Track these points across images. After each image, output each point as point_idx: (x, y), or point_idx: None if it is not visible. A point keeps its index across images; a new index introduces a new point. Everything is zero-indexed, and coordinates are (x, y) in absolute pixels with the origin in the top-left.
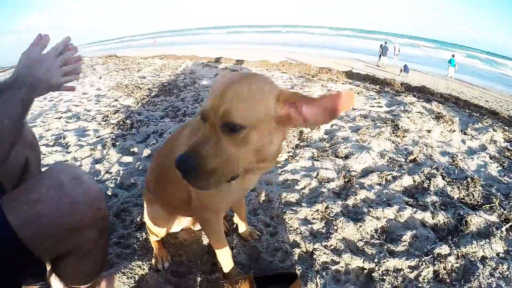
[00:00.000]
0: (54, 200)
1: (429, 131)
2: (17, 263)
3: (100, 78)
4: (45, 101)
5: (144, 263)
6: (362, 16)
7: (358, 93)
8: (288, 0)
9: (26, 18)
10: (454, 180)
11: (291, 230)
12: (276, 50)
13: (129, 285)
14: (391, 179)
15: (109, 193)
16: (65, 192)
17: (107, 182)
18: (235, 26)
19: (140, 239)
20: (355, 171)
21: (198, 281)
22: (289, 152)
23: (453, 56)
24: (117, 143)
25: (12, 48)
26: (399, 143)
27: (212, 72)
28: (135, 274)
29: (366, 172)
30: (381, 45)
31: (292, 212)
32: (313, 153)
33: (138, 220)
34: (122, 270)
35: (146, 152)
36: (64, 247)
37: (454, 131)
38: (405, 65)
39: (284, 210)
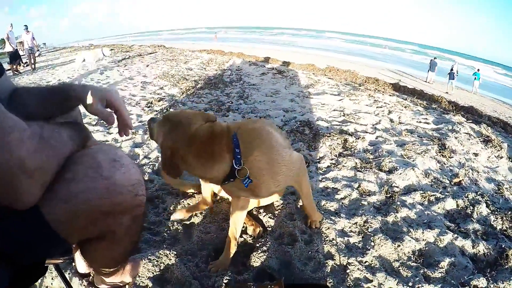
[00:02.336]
0: (90, 180)
1: (476, 155)
2: (40, 242)
3: (147, 66)
4: (92, 82)
5: (171, 253)
6: (413, 29)
7: (405, 107)
8: (338, 7)
9: (82, 3)
10: (498, 210)
11: (326, 241)
12: (321, 55)
13: (153, 273)
14: (434, 200)
15: (146, 178)
16: (102, 173)
17: (144, 167)
18: (281, 28)
19: (171, 228)
20: (397, 187)
21: (225, 280)
22: (332, 159)
23: (478, 70)
24: None
25: (67, 30)
26: (444, 163)
27: (258, 70)
28: (161, 263)
29: (409, 190)
30: (431, 60)
31: (330, 222)
32: (356, 163)
33: (171, 208)
34: (149, 257)
35: None
36: (94, 231)
37: (502, 157)
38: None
39: (321, 218)
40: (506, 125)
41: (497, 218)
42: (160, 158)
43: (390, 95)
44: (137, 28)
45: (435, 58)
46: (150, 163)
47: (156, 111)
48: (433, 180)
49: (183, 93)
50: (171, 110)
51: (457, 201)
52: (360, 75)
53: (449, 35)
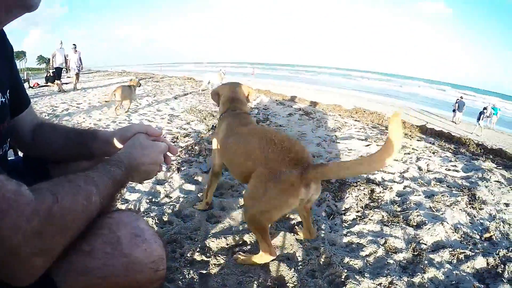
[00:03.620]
0: (109, 257)
1: (507, 205)
2: None
3: (175, 98)
4: (121, 110)
5: None
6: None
7: (433, 153)
8: (365, 46)
9: (122, 27)
10: None
11: None
12: (348, 94)
13: None
14: (463, 258)
15: (165, 219)
16: (122, 250)
17: (164, 207)
18: (308, 66)
19: (187, 276)
20: (425, 244)
21: None
22: (358, 211)
23: (494, 105)
24: (182, 168)
25: (104, 54)
26: (475, 216)
27: (285, 110)
28: None
29: (437, 247)
30: (457, 99)
31: (354, 282)
32: (383, 217)
33: (188, 255)
34: None
35: None
36: None
37: None
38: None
39: (345, 278)
40: None
41: None
42: (180, 199)
43: (418, 140)
44: (172, 58)
45: (461, 97)
46: (171, 203)
47: (181, 147)
48: (463, 236)
49: (209, 130)
50: (195, 147)
51: (487, 259)
52: (386, 117)
53: (475, 73)
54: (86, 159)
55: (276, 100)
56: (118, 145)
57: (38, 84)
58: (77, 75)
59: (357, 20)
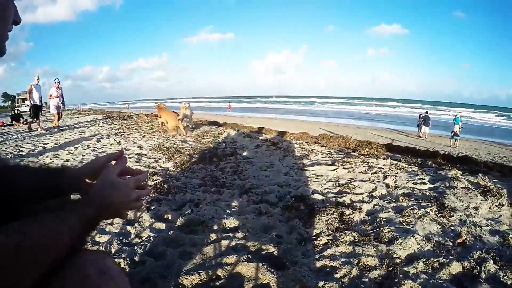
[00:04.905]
0: None
1: (476, 208)
2: None
3: (143, 136)
4: (88, 150)
5: None
6: (395, 86)
7: (400, 169)
8: (328, 75)
9: (86, 66)
10: (507, 264)
11: None
12: (314, 121)
13: None
14: (438, 267)
15: (137, 259)
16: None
17: (136, 247)
18: (274, 97)
19: None
20: (399, 258)
21: None
22: (329, 235)
23: (457, 115)
24: (152, 207)
25: (68, 91)
26: (445, 224)
27: (253, 142)
28: None
29: (411, 259)
30: (420, 114)
31: None
32: (354, 237)
33: None
34: None
35: (180, 221)
36: None
37: (503, 205)
38: (453, 132)
39: None
40: (503, 167)
41: (506, 273)
42: (151, 238)
43: (384, 158)
44: (137, 96)
45: (426, 112)
46: (142, 243)
47: (150, 186)
48: (436, 245)
49: (177, 168)
50: (164, 186)
51: (462, 263)
52: (353, 139)
53: (433, 86)
54: (55, 197)
55: (244, 133)
56: (87, 180)
57: (3, 123)
58: (60, 114)
59: (318, 49)
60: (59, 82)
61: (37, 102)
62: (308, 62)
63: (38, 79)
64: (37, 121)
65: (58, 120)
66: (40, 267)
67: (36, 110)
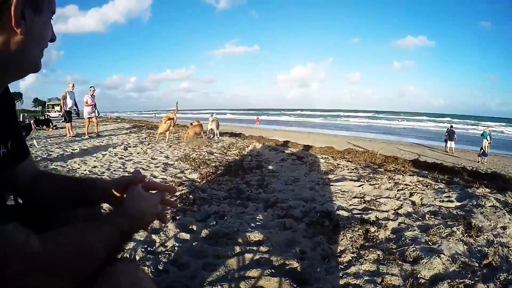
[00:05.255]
0: None
1: (504, 228)
2: None
3: (170, 146)
4: (115, 157)
5: None
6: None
7: (426, 186)
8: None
9: (113, 76)
10: None
11: None
12: (340, 134)
13: None
14: None
15: (160, 268)
16: None
17: (160, 256)
18: (299, 110)
19: None
20: (423, 278)
21: None
22: (353, 253)
23: (485, 129)
24: (177, 217)
25: (99, 98)
26: (472, 244)
27: (278, 156)
28: None
29: (435, 280)
30: (447, 129)
31: None
32: (378, 255)
33: None
34: None
35: (205, 233)
36: None
37: None
38: (482, 149)
39: None
40: None
41: None
42: (176, 248)
43: (411, 175)
44: (164, 106)
45: (451, 126)
46: (167, 252)
47: (176, 196)
48: (461, 265)
49: (203, 179)
50: (190, 196)
51: (488, 285)
52: (379, 154)
53: (461, 99)
54: (84, 206)
55: (269, 146)
56: (116, 194)
57: (34, 126)
58: (90, 120)
59: (343, 62)
60: (94, 90)
61: (70, 108)
62: (333, 75)
63: (73, 86)
64: (69, 125)
65: (97, 126)
66: (75, 278)
67: (69, 116)
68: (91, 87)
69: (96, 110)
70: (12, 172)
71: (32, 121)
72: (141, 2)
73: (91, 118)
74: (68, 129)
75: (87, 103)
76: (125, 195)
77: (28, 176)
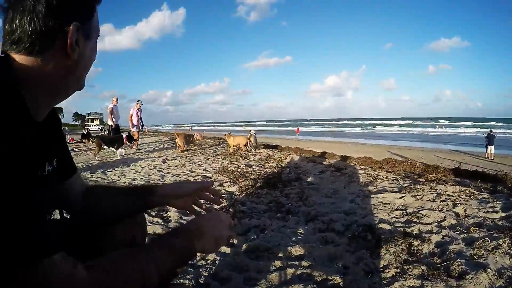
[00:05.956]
0: None
1: None
2: None
3: (207, 159)
4: (154, 170)
5: None
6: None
7: (470, 196)
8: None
9: (149, 91)
10: None
11: None
12: (378, 144)
13: None
14: None
15: (201, 281)
16: None
17: (201, 269)
18: (334, 120)
19: None
20: None
21: None
22: (396, 268)
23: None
24: None
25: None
26: None
27: (316, 168)
28: None
29: None
30: (487, 133)
31: None
32: (423, 270)
33: None
34: None
35: (245, 246)
36: None
37: None
38: None
39: None
40: None
41: None
42: (217, 262)
43: (453, 185)
44: (200, 118)
45: (491, 131)
46: (207, 266)
47: (215, 209)
48: (508, 280)
49: (242, 192)
50: (230, 210)
51: None
52: (418, 163)
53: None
54: (142, 211)
55: (307, 158)
56: (175, 198)
57: (73, 140)
58: (138, 133)
59: (377, 68)
60: (141, 104)
61: (117, 123)
62: (367, 83)
63: (117, 100)
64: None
65: (137, 141)
66: None
67: (117, 131)
68: (138, 101)
69: (141, 124)
70: (60, 189)
71: (124, 136)
72: (173, 19)
73: (136, 131)
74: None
75: (131, 116)
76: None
77: (79, 193)
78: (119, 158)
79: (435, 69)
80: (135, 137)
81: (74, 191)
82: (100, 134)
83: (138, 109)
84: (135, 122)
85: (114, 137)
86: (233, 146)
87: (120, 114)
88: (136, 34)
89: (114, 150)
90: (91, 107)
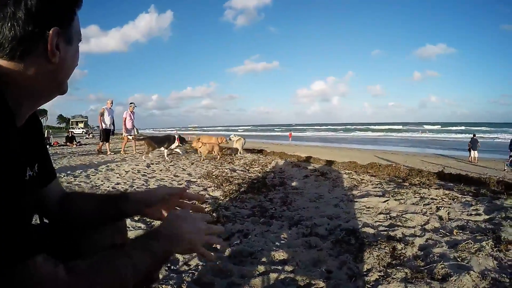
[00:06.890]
0: None
1: None
2: None
3: (192, 164)
4: (138, 174)
5: None
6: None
7: (453, 199)
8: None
9: (136, 94)
10: None
11: None
12: (362, 148)
13: None
14: None
15: (183, 287)
16: None
17: (183, 275)
18: (321, 125)
19: None
20: None
21: None
22: (380, 271)
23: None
24: None
25: (120, 116)
26: (502, 259)
27: (301, 173)
28: None
29: None
30: (470, 138)
31: None
32: (406, 274)
33: None
34: None
35: (228, 251)
36: None
37: None
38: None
39: None
40: None
41: None
42: (199, 267)
43: (436, 188)
44: (187, 123)
45: (474, 135)
46: (190, 271)
47: None
48: (491, 282)
49: (226, 197)
50: (213, 214)
51: None
52: (403, 167)
53: (487, 107)
54: (117, 220)
55: (292, 162)
56: (149, 205)
57: (57, 143)
58: (128, 138)
59: (364, 74)
60: (134, 107)
61: (108, 126)
62: (354, 88)
63: (111, 103)
64: (108, 144)
65: (135, 145)
66: None
67: (107, 134)
68: (131, 103)
69: (135, 128)
70: (40, 194)
71: (177, 137)
72: (160, 22)
73: (131, 135)
74: (107, 149)
75: (125, 119)
76: (164, 212)
77: (56, 197)
78: (166, 158)
79: (421, 75)
80: (125, 142)
81: (52, 197)
82: (149, 136)
83: (131, 112)
84: (129, 126)
85: (164, 137)
86: (199, 149)
87: (114, 118)
88: (122, 36)
89: (164, 150)
90: (76, 110)
